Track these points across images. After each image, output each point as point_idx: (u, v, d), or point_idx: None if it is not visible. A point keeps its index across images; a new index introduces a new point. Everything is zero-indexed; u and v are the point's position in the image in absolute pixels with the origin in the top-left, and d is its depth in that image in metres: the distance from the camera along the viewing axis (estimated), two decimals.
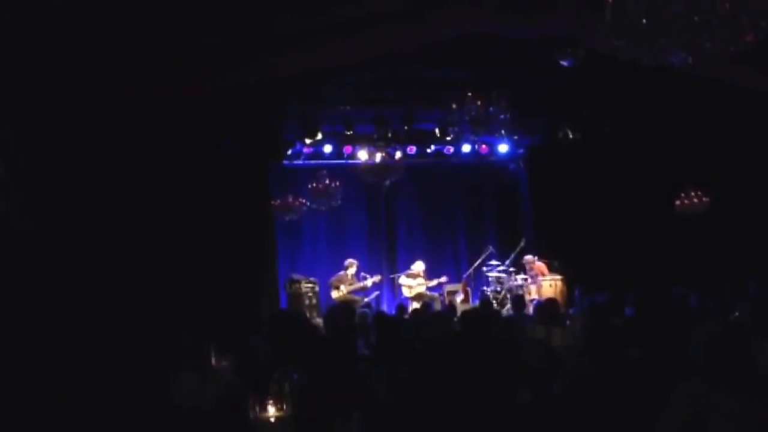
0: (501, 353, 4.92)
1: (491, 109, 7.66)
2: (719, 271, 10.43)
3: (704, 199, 11.15)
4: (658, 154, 11.68)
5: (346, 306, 9.48)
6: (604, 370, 4.77)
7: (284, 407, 4.12)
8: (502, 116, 7.75)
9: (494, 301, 11.41)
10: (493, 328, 6.40)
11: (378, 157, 11.06)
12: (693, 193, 11.20)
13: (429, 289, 12.32)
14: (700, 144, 11.43)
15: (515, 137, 11.87)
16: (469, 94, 7.82)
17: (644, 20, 4.66)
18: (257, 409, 4.06)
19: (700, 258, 11.13)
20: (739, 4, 4.68)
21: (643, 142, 11.65)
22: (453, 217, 13.86)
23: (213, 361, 5.58)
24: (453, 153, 12.79)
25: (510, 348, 5.26)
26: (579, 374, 4.59)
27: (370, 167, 10.03)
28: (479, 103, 7.67)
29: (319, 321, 9.67)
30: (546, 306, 8.01)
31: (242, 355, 6.30)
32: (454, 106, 7.92)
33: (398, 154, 11.43)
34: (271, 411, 4.09)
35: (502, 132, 8.76)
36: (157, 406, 4.63)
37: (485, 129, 7.99)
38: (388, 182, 10.35)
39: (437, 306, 11.57)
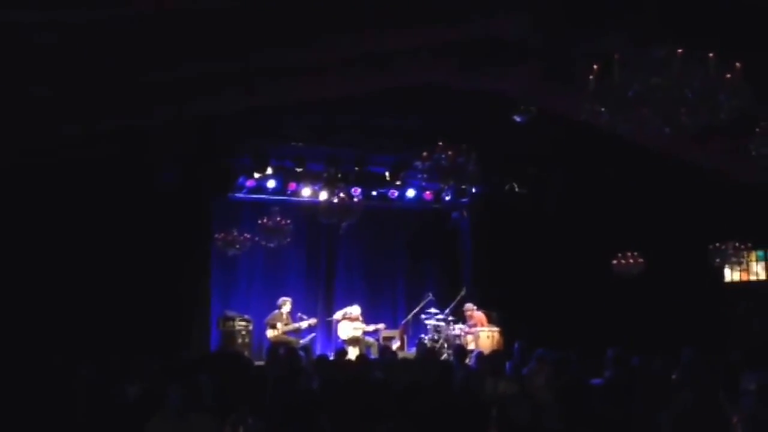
0: (478, 408, 4.86)
1: (460, 160, 7.72)
2: (652, 329, 10.84)
3: (640, 260, 11.57)
4: (598, 215, 12.08)
5: (289, 348, 9.24)
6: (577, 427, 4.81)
7: None
8: (470, 168, 7.82)
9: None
10: (454, 380, 6.36)
11: (324, 195, 10.96)
12: (629, 254, 11.60)
13: (365, 334, 12.13)
14: (638, 208, 11.92)
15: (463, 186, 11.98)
16: (440, 143, 7.86)
17: (628, 91, 4.79)
18: None
19: (634, 315, 11.52)
20: (714, 82, 4.91)
21: (586, 202, 12.02)
22: (393, 261, 13.76)
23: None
24: (397, 197, 12.75)
25: (481, 402, 5.24)
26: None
27: (327, 208, 9.85)
28: (449, 153, 7.71)
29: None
30: (492, 358, 8.04)
31: (188, 396, 6.01)
32: (424, 154, 7.92)
33: (341, 195, 11.30)
34: None
35: (470, 183, 8.84)
36: None
37: (454, 179, 8.04)
38: (344, 224, 10.19)
39: (374, 352, 11.42)
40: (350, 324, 12.09)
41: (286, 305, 11.86)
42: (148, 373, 7.01)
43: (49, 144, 9.05)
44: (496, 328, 11.93)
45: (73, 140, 9.20)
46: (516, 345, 10.12)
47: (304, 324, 11.83)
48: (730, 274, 13.73)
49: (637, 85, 4.83)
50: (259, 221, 10.93)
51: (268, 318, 11.73)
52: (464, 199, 13.14)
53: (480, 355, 9.24)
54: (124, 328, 9.70)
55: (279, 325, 11.63)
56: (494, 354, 8.43)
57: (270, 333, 11.59)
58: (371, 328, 12.17)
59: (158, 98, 8.53)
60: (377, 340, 12.19)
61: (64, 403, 5.47)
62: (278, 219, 10.72)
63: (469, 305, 12.25)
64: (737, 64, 4.91)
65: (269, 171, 11.34)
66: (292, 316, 11.95)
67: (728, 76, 4.83)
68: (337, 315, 12.30)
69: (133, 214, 10.35)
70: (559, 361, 7.35)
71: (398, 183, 12.08)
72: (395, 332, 12.53)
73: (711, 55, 4.76)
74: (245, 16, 6.67)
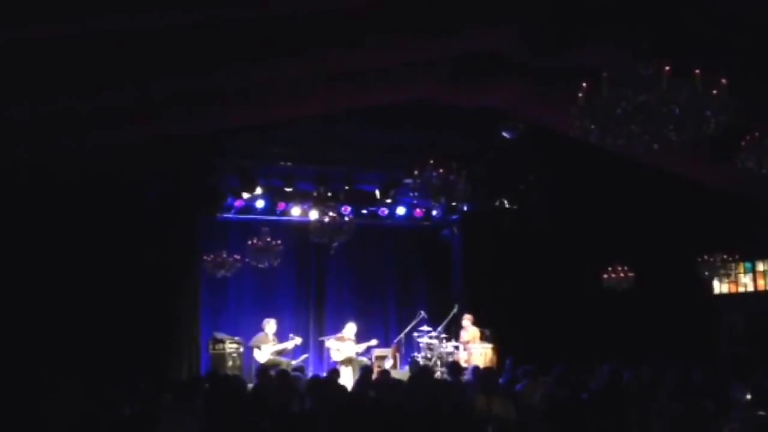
0: (472, 426, 4.84)
1: (451, 177, 7.76)
2: (643, 342, 10.85)
3: (629, 274, 11.62)
4: (587, 229, 12.13)
5: (280, 369, 9.17)
6: None
7: None
8: (461, 185, 7.86)
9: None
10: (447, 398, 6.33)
11: (315, 214, 10.94)
12: (619, 268, 11.65)
13: (358, 353, 12.05)
14: (626, 222, 11.99)
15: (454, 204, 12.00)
16: (431, 161, 7.90)
17: (618, 109, 4.83)
18: None
19: (624, 328, 11.56)
20: (701, 98, 4.98)
21: (575, 216, 12.07)
22: (384, 280, 13.73)
23: None
24: (387, 215, 12.72)
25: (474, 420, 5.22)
26: None
27: (318, 227, 9.82)
28: (441, 170, 7.75)
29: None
30: (485, 375, 8.00)
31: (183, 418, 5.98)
32: (416, 172, 7.95)
33: (332, 214, 11.28)
34: None
35: (460, 201, 8.88)
36: None
37: (445, 197, 8.08)
38: (335, 243, 10.14)
39: None
40: (342, 344, 12.01)
41: (270, 326, 11.71)
42: (140, 396, 6.96)
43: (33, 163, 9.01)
44: (489, 345, 11.92)
45: (59, 161, 9.17)
46: (508, 361, 10.14)
47: (290, 344, 11.71)
48: (719, 286, 13.83)
49: (625, 103, 4.88)
50: (249, 242, 10.83)
51: (253, 340, 11.60)
52: (454, 216, 13.19)
53: (476, 369, 9.22)
54: (115, 352, 9.61)
55: (264, 346, 11.50)
56: (487, 371, 8.40)
57: (258, 355, 11.46)
58: (363, 346, 12.09)
59: (140, 118, 8.53)
60: (369, 359, 12.11)
61: (54, 425, 5.41)
62: (268, 239, 10.64)
63: (467, 316, 12.26)
64: (723, 80, 4.97)
65: (258, 191, 11.30)
66: (279, 336, 11.85)
67: (714, 92, 4.90)
68: (330, 341, 12.20)
69: (121, 237, 10.27)
70: (553, 376, 7.35)
71: (388, 201, 12.08)
72: (388, 351, 12.45)
73: (697, 71, 4.82)
74: (231, 34, 6.69)
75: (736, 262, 12.51)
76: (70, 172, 9.50)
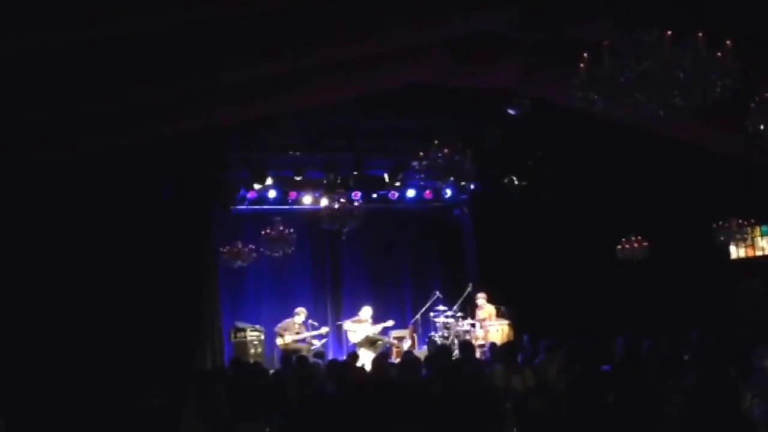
0: (491, 401, 4.87)
1: (456, 157, 7.76)
2: (662, 311, 10.80)
3: (644, 243, 11.56)
4: (599, 201, 12.07)
5: (299, 356, 9.26)
6: (585, 415, 4.81)
7: None
8: (467, 165, 7.86)
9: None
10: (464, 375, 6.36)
11: (326, 201, 11.00)
12: (634, 238, 11.58)
13: (375, 333, 12.11)
14: (639, 191, 11.91)
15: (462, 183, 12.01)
16: (436, 142, 7.90)
17: (621, 77, 4.80)
18: None
19: (642, 299, 11.51)
20: (705, 62, 4.92)
21: (586, 189, 12.01)
22: (398, 262, 13.82)
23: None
24: (398, 198, 12.77)
25: (493, 395, 5.25)
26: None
27: (329, 213, 9.87)
28: (446, 151, 7.75)
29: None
30: (503, 350, 8.03)
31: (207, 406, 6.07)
32: (421, 153, 7.96)
33: (342, 200, 11.33)
34: None
35: (467, 180, 8.89)
36: None
37: (451, 177, 8.08)
38: (347, 229, 10.19)
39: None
40: (358, 326, 12.12)
41: (301, 315, 11.88)
42: (166, 387, 7.07)
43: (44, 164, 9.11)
44: (505, 322, 11.95)
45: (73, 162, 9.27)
46: (525, 337, 10.18)
47: (315, 334, 11.87)
48: (736, 251, 13.73)
49: (629, 71, 4.84)
50: (263, 232, 10.97)
51: (279, 326, 11.78)
52: (464, 195, 13.19)
53: (493, 346, 9.25)
54: (140, 347, 9.76)
55: (287, 335, 11.65)
56: (505, 346, 8.43)
57: (279, 341, 11.64)
58: (380, 326, 12.17)
59: (149, 117, 8.58)
60: (388, 339, 12.18)
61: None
62: (281, 228, 10.77)
63: (481, 294, 12.28)
64: (727, 42, 4.91)
65: (269, 181, 11.41)
66: (305, 324, 11.97)
67: (719, 54, 4.84)
68: (347, 324, 12.32)
69: (140, 236, 10.38)
70: (571, 349, 7.35)
71: (398, 184, 12.14)
72: (405, 332, 12.56)
73: (700, 35, 4.77)
74: (232, 29, 6.70)
75: (752, 226, 12.41)
76: (91, 174, 9.62)
